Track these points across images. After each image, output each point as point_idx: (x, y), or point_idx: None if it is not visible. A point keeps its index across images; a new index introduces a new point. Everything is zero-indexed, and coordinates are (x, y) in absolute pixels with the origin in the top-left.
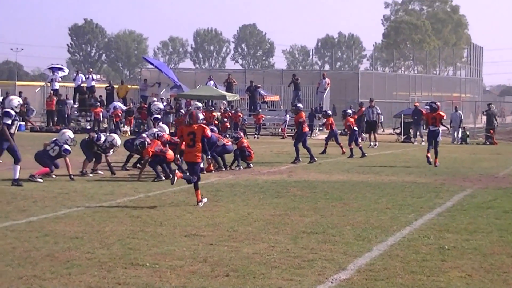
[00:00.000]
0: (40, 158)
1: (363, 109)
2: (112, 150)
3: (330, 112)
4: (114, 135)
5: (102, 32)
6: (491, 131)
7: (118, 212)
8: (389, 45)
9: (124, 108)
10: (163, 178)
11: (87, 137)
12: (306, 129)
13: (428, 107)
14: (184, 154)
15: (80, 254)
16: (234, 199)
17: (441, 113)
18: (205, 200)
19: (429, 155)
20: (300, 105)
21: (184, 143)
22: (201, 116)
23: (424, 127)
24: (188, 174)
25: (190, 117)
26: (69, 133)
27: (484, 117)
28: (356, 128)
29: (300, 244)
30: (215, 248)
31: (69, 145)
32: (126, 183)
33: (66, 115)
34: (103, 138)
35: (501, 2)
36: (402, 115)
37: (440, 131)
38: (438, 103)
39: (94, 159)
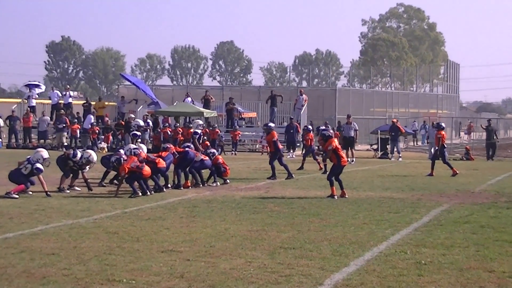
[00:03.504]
0: (14, 176)
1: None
2: (88, 166)
3: (310, 127)
4: (90, 151)
5: (80, 49)
6: (467, 147)
7: (95, 228)
8: (366, 62)
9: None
10: (140, 194)
11: (62, 154)
12: (280, 146)
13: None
14: None
15: (56, 270)
16: (211, 215)
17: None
18: None
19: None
20: (271, 124)
21: None
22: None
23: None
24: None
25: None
26: (43, 152)
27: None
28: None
29: (277, 260)
30: (192, 263)
31: (42, 164)
32: (103, 199)
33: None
34: (79, 155)
35: (477, 20)
36: (379, 131)
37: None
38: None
39: (71, 175)
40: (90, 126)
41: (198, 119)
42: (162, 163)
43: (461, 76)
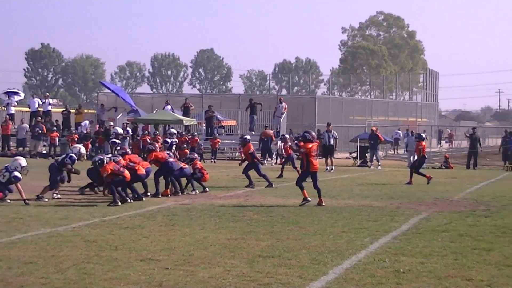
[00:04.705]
0: None
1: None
2: (81, 158)
3: (287, 136)
4: (77, 145)
5: (59, 56)
6: (446, 155)
7: (73, 236)
8: (346, 70)
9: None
10: (119, 203)
11: (55, 161)
12: (257, 158)
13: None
14: None
15: (34, 279)
16: (190, 223)
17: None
18: None
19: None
20: (247, 136)
21: None
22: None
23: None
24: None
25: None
26: (21, 160)
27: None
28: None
29: (256, 268)
30: (170, 272)
31: (20, 173)
32: (81, 207)
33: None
34: (71, 155)
35: (456, 29)
36: (358, 139)
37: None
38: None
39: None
40: (86, 131)
41: (173, 128)
42: (141, 170)
43: (440, 84)
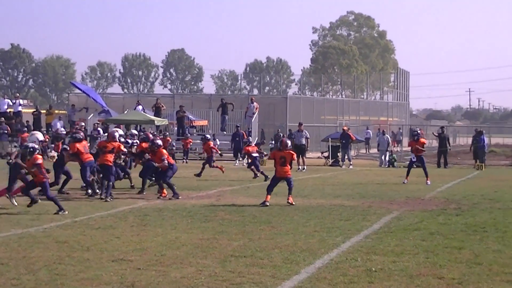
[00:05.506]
0: None
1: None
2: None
3: (209, 136)
4: (34, 132)
5: (29, 57)
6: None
7: (45, 237)
8: (317, 70)
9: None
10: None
11: (10, 161)
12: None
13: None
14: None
15: (5, 280)
16: (162, 224)
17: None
18: None
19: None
20: (208, 135)
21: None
22: (289, 143)
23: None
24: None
25: (280, 144)
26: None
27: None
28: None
29: (228, 268)
30: (142, 272)
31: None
32: (52, 208)
33: None
34: (31, 145)
35: (426, 29)
36: (330, 139)
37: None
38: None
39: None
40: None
41: (135, 129)
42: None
43: (411, 83)
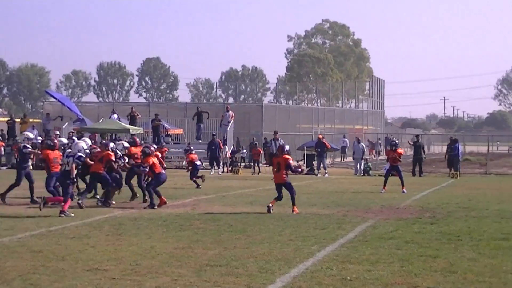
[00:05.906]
0: None
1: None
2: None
3: (192, 148)
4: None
5: (4, 65)
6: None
7: (19, 247)
8: (292, 78)
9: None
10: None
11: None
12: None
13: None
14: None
15: None
16: (137, 233)
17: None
18: None
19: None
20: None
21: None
22: (286, 147)
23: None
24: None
25: (278, 149)
26: (82, 143)
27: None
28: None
29: (203, 277)
30: (117, 282)
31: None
32: (27, 218)
33: None
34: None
35: (401, 37)
36: (305, 147)
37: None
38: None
39: None
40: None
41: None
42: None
43: (386, 92)
